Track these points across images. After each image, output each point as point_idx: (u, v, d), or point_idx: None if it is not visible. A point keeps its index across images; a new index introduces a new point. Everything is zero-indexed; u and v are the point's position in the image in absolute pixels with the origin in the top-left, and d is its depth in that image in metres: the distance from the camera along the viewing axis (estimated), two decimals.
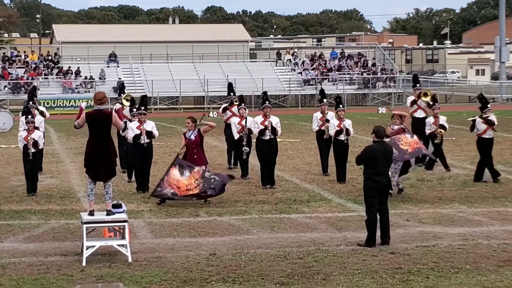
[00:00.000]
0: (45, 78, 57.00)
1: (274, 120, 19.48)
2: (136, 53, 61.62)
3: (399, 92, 59.33)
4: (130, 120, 19.70)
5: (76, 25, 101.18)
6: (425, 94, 22.82)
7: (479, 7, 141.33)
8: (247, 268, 11.87)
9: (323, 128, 20.93)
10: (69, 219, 15.62)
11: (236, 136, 20.82)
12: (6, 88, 54.26)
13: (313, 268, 11.82)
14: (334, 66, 61.56)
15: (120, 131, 19.08)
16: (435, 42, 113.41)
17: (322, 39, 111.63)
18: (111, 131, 13.08)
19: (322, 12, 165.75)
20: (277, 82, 59.11)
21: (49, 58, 60.37)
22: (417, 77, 24.58)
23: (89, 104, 34.33)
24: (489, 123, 19.99)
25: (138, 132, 18.82)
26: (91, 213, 12.80)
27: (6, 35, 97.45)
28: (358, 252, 12.79)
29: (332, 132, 20.26)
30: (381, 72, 61.17)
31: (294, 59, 62.96)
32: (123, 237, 12.66)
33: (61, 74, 56.92)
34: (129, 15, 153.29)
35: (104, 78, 56.79)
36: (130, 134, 18.94)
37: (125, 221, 12.66)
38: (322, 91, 22.42)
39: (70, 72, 56.62)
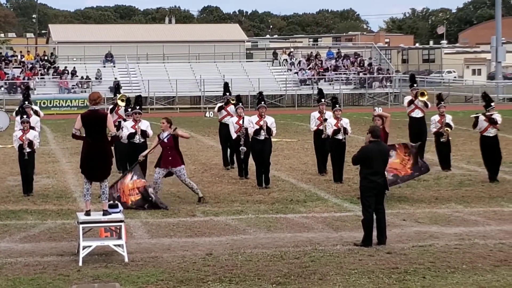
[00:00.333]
0: (41, 78, 56.92)
1: (270, 120, 19.50)
2: (133, 53, 61.55)
3: (395, 92, 59.32)
4: (125, 120, 19.69)
5: (72, 25, 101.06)
6: (422, 94, 22.82)
7: (475, 7, 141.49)
8: (243, 268, 11.87)
9: (321, 127, 20.94)
10: (66, 219, 15.60)
11: (234, 135, 20.83)
12: (2, 88, 54.19)
13: (310, 268, 11.82)
14: (330, 66, 61.56)
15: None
16: (431, 42, 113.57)
17: (319, 39, 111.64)
18: (106, 132, 13.07)
19: (318, 12, 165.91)
20: (274, 82, 59.09)
21: (45, 58, 60.32)
22: (414, 77, 24.58)
23: (85, 104, 34.28)
24: (491, 121, 19.93)
25: (133, 131, 18.82)
26: (88, 213, 12.78)
27: (2, 35, 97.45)
28: (354, 252, 12.79)
29: (330, 131, 20.26)
30: (377, 72, 61.19)
31: (291, 59, 62.93)
32: (119, 237, 12.65)
33: (57, 74, 56.86)
34: (125, 15, 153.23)
35: (100, 78, 56.73)
36: (124, 133, 18.93)
37: (121, 221, 12.65)
38: (320, 91, 22.40)
39: (66, 72, 56.57)
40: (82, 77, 56.60)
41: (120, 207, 13.07)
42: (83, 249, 12.30)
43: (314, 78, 59.15)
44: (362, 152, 13.54)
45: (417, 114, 23.07)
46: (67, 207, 16.92)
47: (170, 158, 17.07)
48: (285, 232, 14.42)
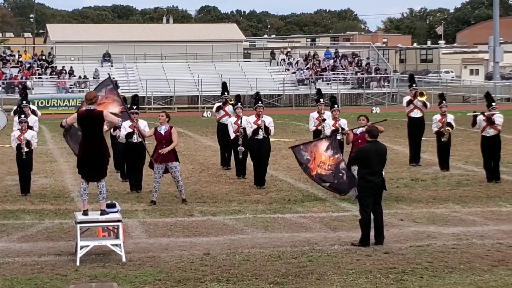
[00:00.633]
0: (39, 78, 56.92)
1: (267, 120, 19.50)
2: (130, 53, 61.53)
3: (393, 92, 59.39)
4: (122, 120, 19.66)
5: (70, 24, 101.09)
6: (421, 94, 22.84)
7: (473, 7, 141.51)
8: (241, 268, 11.86)
9: (319, 128, 20.92)
10: (63, 218, 15.59)
11: (232, 135, 20.81)
12: (0, 88, 54.17)
13: (307, 268, 11.81)
14: (328, 66, 61.59)
15: (112, 131, 19.06)
16: (429, 42, 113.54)
17: (316, 39, 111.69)
18: (103, 131, 13.06)
19: (316, 12, 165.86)
20: (271, 81, 59.10)
21: (43, 57, 60.30)
22: (413, 77, 24.59)
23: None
24: (489, 121, 19.90)
25: (130, 130, 18.82)
26: (85, 212, 12.77)
27: (0, 34, 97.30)
28: (352, 252, 12.79)
29: (328, 131, 20.23)
30: (375, 72, 61.21)
31: (288, 59, 62.97)
32: (117, 237, 12.64)
33: (55, 73, 56.85)
34: (123, 14, 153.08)
35: (98, 78, 56.59)
36: (122, 132, 18.93)
37: (119, 221, 12.64)
38: (319, 91, 22.38)
39: (64, 71, 56.55)
40: (79, 77, 56.61)
41: (118, 207, 13.03)
42: (81, 248, 12.29)
43: (312, 78, 59.17)
44: (359, 153, 13.55)
45: (416, 114, 23.09)
46: (64, 207, 16.91)
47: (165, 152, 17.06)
48: (283, 232, 14.41)
